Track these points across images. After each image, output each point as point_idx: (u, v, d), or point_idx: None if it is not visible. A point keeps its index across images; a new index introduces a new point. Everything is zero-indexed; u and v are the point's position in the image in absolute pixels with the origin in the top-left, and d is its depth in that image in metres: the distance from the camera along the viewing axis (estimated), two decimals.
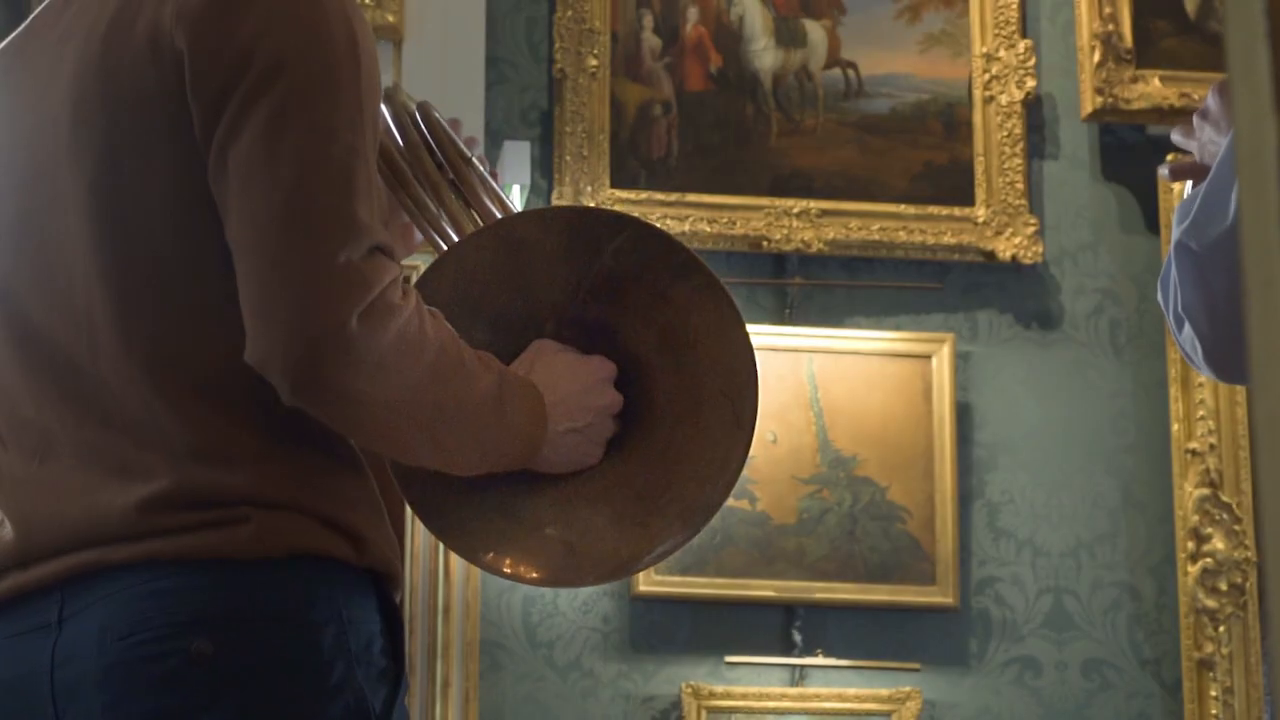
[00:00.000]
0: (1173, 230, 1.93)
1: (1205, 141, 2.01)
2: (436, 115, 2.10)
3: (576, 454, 1.96)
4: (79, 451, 1.84)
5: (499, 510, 1.96)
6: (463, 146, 2.10)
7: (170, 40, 1.82)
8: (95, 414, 1.84)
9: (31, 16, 2.00)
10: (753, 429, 1.95)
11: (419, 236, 2.09)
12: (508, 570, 1.98)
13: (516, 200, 3.89)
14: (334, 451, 1.85)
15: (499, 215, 2.07)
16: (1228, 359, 1.93)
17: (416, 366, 1.79)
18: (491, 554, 1.97)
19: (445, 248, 2.02)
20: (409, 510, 2.01)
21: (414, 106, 2.10)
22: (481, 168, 2.11)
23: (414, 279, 1.95)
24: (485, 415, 1.86)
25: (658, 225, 2.01)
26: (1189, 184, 2.01)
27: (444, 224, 2.02)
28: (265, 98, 1.79)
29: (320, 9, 1.83)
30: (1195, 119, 2.03)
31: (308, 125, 1.79)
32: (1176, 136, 2.09)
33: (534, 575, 1.99)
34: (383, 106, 2.01)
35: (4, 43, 2.03)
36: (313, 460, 1.83)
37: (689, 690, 3.98)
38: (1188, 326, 1.93)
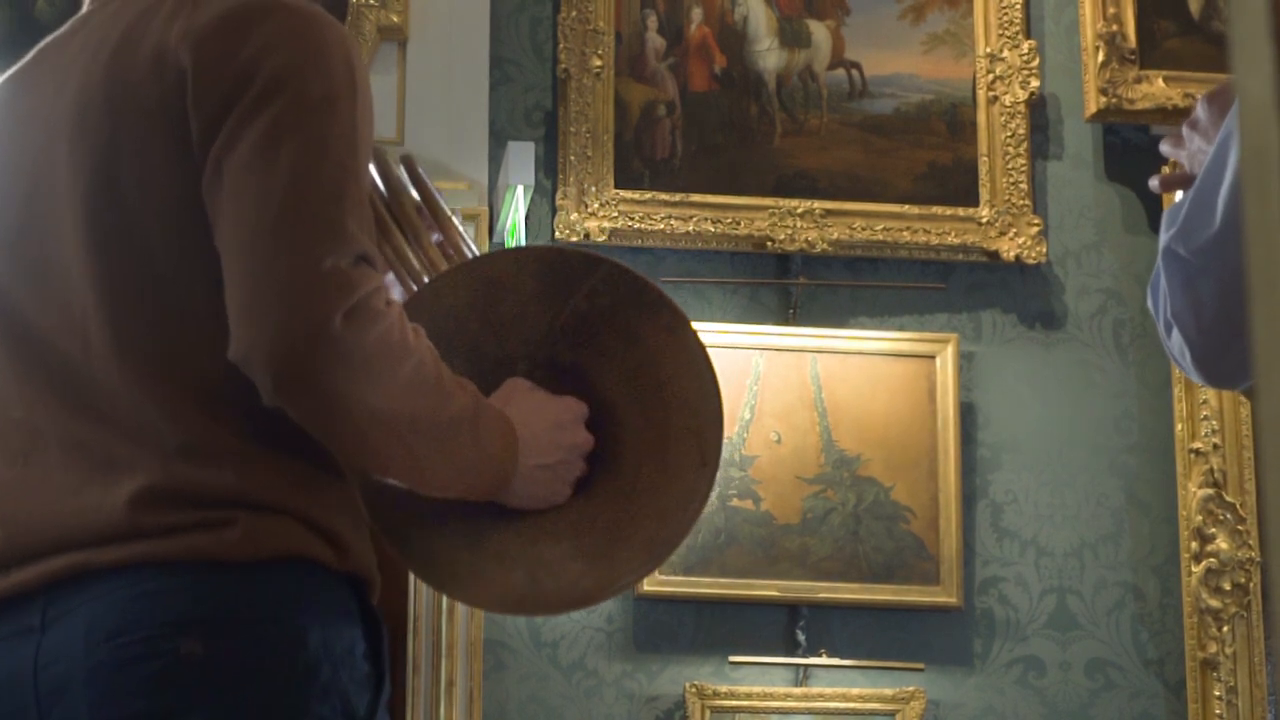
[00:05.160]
0: (1160, 236, 1.93)
1: (1194, 151, 2.01)
2: (421, 171, 2.13)
3: (545, 490, 1.98)
4: (66, 447, 1.86)
5: (465, 540, 1.98)
6: (443, 203, 2.13)
7: (175, 57, 1.86)
8: (88, 410, 1.86)
9: (38, 47, 2.05)
10: (717, 465, 1.98)
11: (398, 294, 2.11)
12: (470, 598, 2.01)
13: (521, 201, 3.89)
14: (317, 458, 1.87)
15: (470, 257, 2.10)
16: (1216, 364, 1.93)
17: (397, 374, 1.81)
18: (455, 582, 1.99)
19: (415, 288, 2.05)
20: None
21: (399, 165, 2.14)
22: (461, 227, 2.14)
23: None
24: (460, 434, 1.88)
25: (629, 265, 2.03)
26: (1179, 194, 2.02)
27: (424, 277, 2.05)
28: (263, 113, 1.83)
29: (321, 35, 1.88)
30: (1184, 129, 2.03)
31: (303, 139, 1.83)
32: (1165, 147, 2.10)
33: (496, 604, 2.02)
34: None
35: (10, 71, 2.07)
36: (297, 465, 1.85)
37: (693, 690, 3.98)
38: (1176, 332, 1.93)
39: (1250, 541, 4.13)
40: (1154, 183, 2.15)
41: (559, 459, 1.97)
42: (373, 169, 2.07)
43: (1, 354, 1.93)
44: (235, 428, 1.84)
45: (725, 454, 3.61)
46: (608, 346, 1.99)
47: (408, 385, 1.82)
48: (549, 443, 1.97)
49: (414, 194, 2.09)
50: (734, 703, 4.00)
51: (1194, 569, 4.13)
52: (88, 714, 1.79)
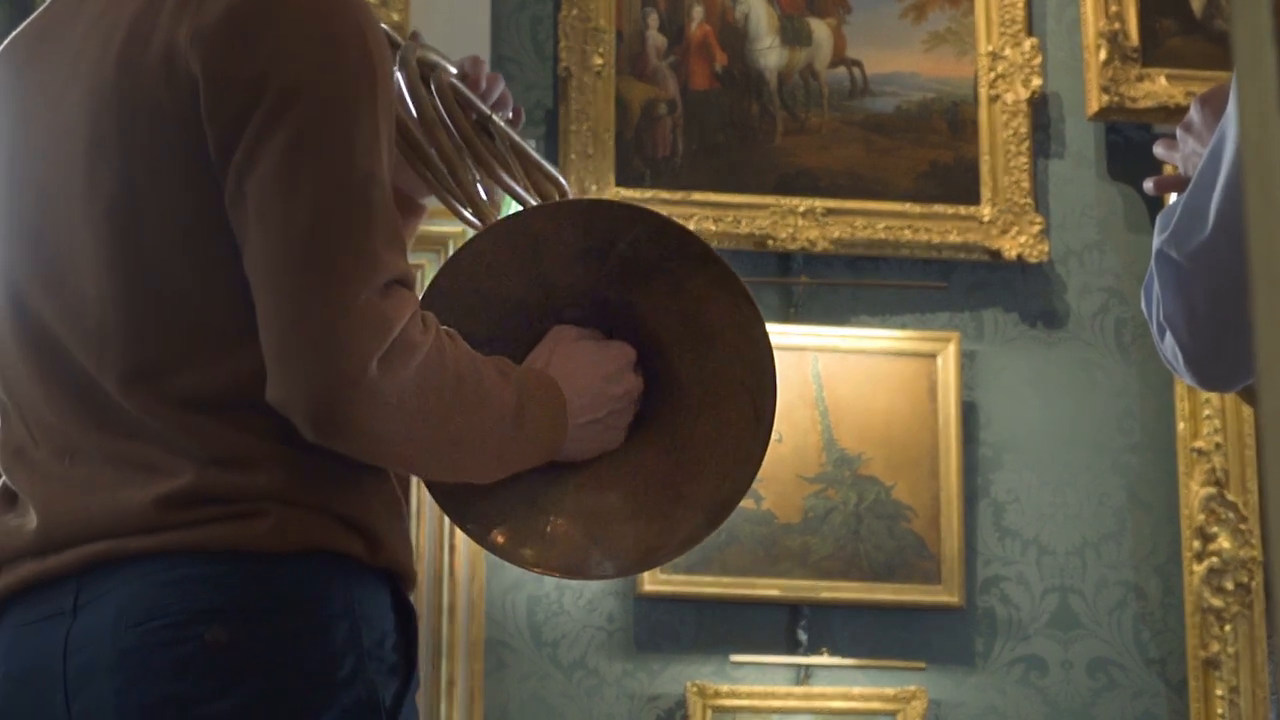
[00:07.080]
0: (1154, 239, 1.92)
1: (1188, 154, 2.01)
2: (451, 80, 2.08)
3: (596, 443, 1.97)
4: (106, 455, 1.85)
5: (522, 501, 1.96)
6: (481, 106, 2.09)
7: (185, 62, 1.81)
8: (114, 426, 1.85)
9: (44, 5, 2.00)
10: (772, 424, 1.95)
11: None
12: (533, 563, 1.98)
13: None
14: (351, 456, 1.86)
15: (517, 188, 2.07)
16: (1209, 366, 1.93)
17: (436, 402, 1.79)
18: (517, 547, 1.97)
19: (462, 211, 2.02)
20: (412, 510, 2.02)
21: (428, 62, 2.08)
22: (500, 120, 2.10)
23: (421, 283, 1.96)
24: (505, 433, 1.87)
25: (672, 218, 2.00)
26: (1173, 196, 2.02)
27: (455, 189, 2.02)
28: (282, 124, 1.78)
29: (335, 29, 1.82)
30: (1178, 132, 2.03)
31: (325, 153, 1.78)
32: (1159, 150, 2.10)
33: (559, 567, 1.99)
34: (396, 73, 2.00)
35: (17, 31, 2.02)
36: (331, 463, 1.84)
37: (694, 689, 3.98)
38: (1169, 335, 1.93)
39: (1252, 540, 4.13)
40: (1148, 185, 2.16)
41: (608, 410, 1.96)
42: (403, 84, 2.03)
43: (24, 357, 1.92)
44: (264, 433, 1.82)
45: None
46: (657, 293, 1.97)
47: (449, 408, 1.81)
48: (597, 396, 1.95)
49: (444, 115, 2.05)
50: (735, 702, 3.99)
51: (1196, 568, 4.13)
52: (114, 698, 1.79)
